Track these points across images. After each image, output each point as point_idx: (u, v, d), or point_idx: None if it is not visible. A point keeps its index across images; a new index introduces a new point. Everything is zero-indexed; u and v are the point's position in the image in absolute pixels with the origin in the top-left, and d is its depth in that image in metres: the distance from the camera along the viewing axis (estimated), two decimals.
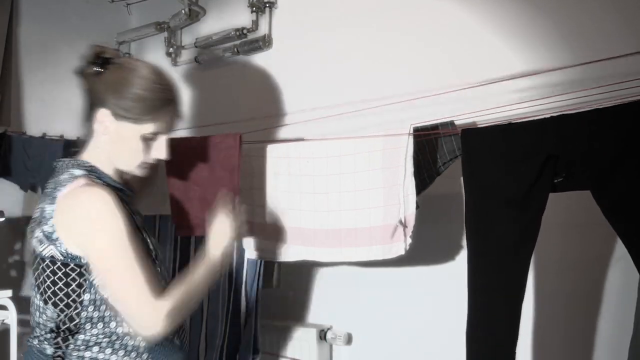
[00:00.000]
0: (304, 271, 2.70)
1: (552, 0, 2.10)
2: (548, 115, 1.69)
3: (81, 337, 1.39)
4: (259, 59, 2.89)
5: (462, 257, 1.96)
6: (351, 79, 2.53)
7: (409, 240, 1.90)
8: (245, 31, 2.87)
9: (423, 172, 1.97)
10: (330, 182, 2.06)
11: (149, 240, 1.50)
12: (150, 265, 1.40)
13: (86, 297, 1.37)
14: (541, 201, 1.69)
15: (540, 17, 2.12)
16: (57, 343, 1.39)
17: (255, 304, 2.38)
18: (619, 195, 1.58)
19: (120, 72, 1.42)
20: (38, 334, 1.43)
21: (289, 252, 2.19)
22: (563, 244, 2.04)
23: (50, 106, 3.02)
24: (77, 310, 1.38)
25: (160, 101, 1.44)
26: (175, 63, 3.21)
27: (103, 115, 1.42)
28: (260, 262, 2.36)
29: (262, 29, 2.85)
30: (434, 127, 1.92)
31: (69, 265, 1.36)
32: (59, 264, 1.37)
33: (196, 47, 3.10)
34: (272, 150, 2.23)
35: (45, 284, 1.39)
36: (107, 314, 1.39)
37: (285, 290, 2.71)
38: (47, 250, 1.37)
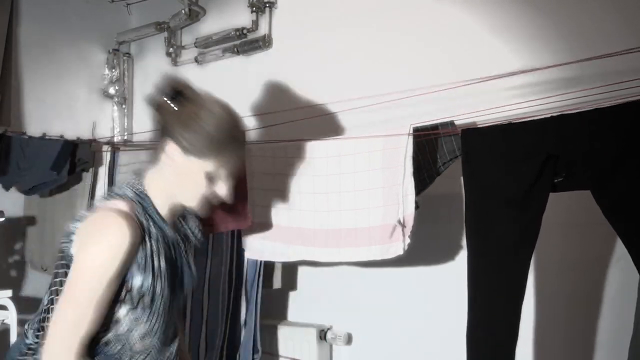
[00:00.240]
0: (304, 271, 2.71)
1: (552, 0, 2.10)
2: (548, 115, 1.69)
3: None
4: (259, 59, 2.89)
5: (462, 257, 1.96)
6: (351, 79, 2.53)
7: (408, 241, 1.90)
8: (245, 31, 2.88)
9: (423, 172, 1.97)
10: (330, 182, 2.06)
11: (181, 275, 1.49)
12: (95, 320, 1.33)
13: None
14: (541, 201, 1.69)
15: (540, 18, 2.11)
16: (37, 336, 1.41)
17: (255, 304, 2.38)
18: (619, 195, 1.58)
19: (192, 107, 1.42)
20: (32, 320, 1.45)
21: (289, 252, 2.19)
22: (563, 244, 2.04)
23: (50, 106, 3.03)
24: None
25: (228, 140, 1.44)
26: (175, 63, 3.21)
27: (171, 148, 1.42)
28: (260, 262, 2.36)
29: (262, 29, 2.85)
30: (434, 127, 1.92)
31: (69, 266, 1.37)
32: (64, 261, 1.39)
33: (196, 47, 3.10)
34: (272, 150, 2.23)
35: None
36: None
37: (285, 290, 2.71)
38: (62, 246, 1.40)
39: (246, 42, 2.88)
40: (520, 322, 1.74)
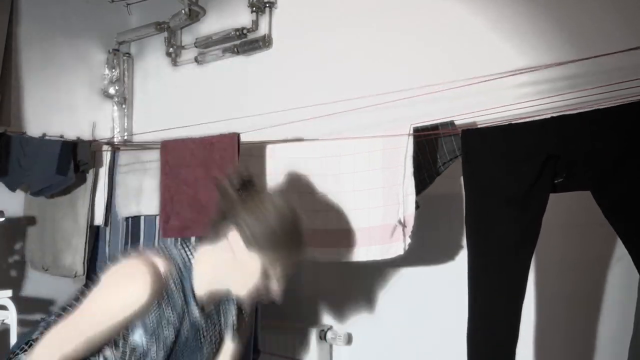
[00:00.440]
0: (304, 271, 2.70)
1: (552, 0, 2.10)
2: (549, 115, 1.68)
3: None
4: (259, 59, 2.89)
5: (462, 257, 1.96)
6: (351, 79, 2.53)
7: (408, 241, 1.90)
8: (245, 31, 2.88)
9: (423, 172, 1.97)
10: (329, 182, 2.06)
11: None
12: (82, 350, 1.34)
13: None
14: (542, 201, 1.69)
15: (540, 17, 2.11)
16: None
17: (255, 304, 2.38)
18: (620, 196, 1.58)
19: (260, 202, 1.43)
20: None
21: None
22: (564, 244, 2.04)
23: (50, 106, 3.03)
24: None
25: (288, 240, 1.44)
26: (175, 63, 3.21)
27: (234, 236, 1.42)
28: None
29: (262, 29, 2.85)
30: (434, 127, 1.92)
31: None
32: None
33: (196, 47, 3.10)
34: (271, 150, 2.22)
35: None
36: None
37: (285, 290, 2.70)
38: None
39: (246, 42, 2.88)
40: (521, 322, 1.74)
